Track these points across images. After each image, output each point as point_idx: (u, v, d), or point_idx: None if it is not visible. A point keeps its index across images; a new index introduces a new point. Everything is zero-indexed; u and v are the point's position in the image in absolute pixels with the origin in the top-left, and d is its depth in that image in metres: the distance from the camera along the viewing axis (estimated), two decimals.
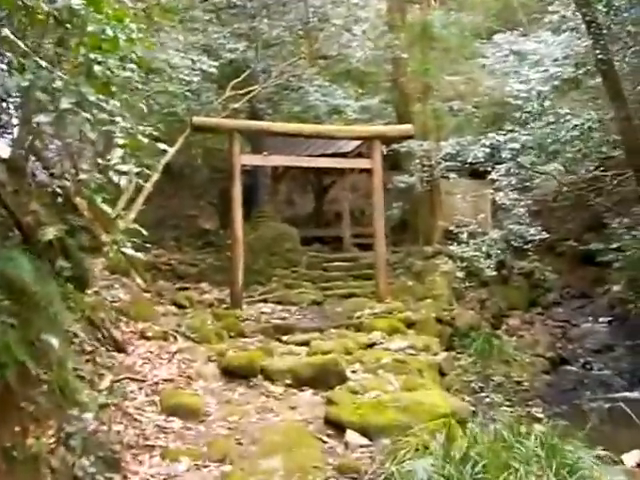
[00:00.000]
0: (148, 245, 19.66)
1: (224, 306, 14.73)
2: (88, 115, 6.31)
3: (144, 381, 9.06)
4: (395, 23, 21.15)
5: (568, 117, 14.59)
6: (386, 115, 23.36)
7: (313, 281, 17.76)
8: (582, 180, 20.40)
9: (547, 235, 18.85)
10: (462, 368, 12.93)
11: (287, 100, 22.56)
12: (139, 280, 14.89)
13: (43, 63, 6.47)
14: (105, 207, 6.52)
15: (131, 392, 8.58)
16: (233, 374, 10.07)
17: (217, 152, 23.80)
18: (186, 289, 16.95)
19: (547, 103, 15.11)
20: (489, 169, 19.07)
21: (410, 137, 15.65)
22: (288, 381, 9.98)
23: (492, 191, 19.34)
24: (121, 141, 7.01)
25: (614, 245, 18.48)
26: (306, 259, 18.83)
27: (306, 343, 12.28)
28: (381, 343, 12.42)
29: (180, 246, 21.68)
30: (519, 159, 16.03)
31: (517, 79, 15.83)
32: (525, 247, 18.59)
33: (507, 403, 12.04)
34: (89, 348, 8.76)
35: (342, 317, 14.47)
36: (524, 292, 19.71)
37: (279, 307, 15.79)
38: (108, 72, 7.42)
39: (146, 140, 7.30)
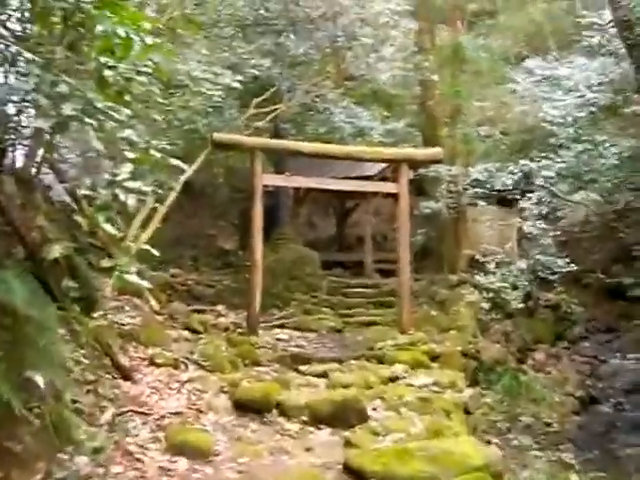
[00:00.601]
0: (163, 264, 19.31)
1: (239, 331, 13.98)
2: (93, 122, 5.60)
3: (149, 414, 8.29)
4: (424, 45, 20.44)
5: (606, 145, 13.77)
6: (411, 139, 22.65)
7: (333, 307, 17.00)
8: (612, 211, 19.66)
9: (575, 267, 18.05)
10: (488, 406, 12.10)
11: (311, 121, 21.90)
12: (153, 301, 14.18)
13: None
14: (108, 227, 5.76)
15: (134, 427, 7.81)
16: (246, 408, 9.29)
17: (239, 171, 23.18)
18: (202, 311, 16.22)
19: (582, 130, 14.28)
20: (517, 197, 18.33)
21: (438, 161, 14.89)
22: (305, 418, 9.20)
23: (519, 220, 18.55)
24: (131, 155, 6.29)
25: None
26: (326, 284, 18.07)
27: (325, 375, 11.54)
28: (404, 377, 11.63)
29: (198, 266, 21.00)
30: (552, 187, 15.17)
31: (551, 104, 15.04)
32: (551, 278, 17.82)
33: (536, 446, 11.24)
34: (92, 377, 8.02)
35: (362, 347, 13.67)
36: (550, 325, 18.80)
37: (297, 334, 15.02)
38: (120, 79, 6.72)
39: (159, 155, 6.57)
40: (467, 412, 11.23)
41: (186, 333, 12.39)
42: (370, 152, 14.22)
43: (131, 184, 5.86)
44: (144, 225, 15.95)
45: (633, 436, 12.53)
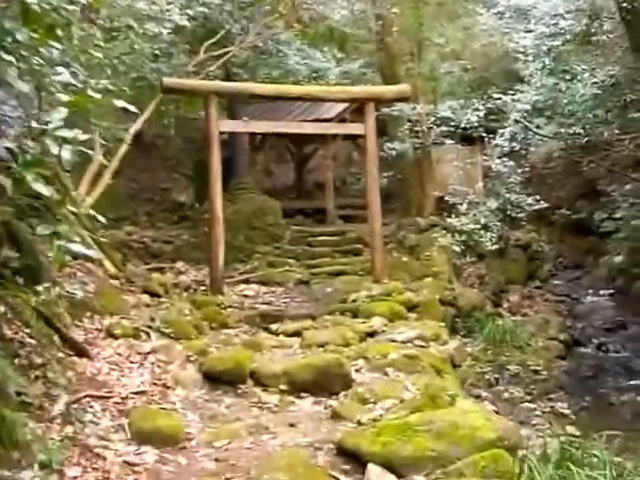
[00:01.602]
0: (117, 222, 18.05)
1: (203, 289, 12.85)
2: (11, 59, 4.37)
3: (109, 397, 7.13)
4: None
5: (584, 74, 12.66)
6: (369, 80, 21.37)
7: (298, 258, 15.94)
8: (577, 145, 18.76)
9: (545, 204, 17.19)
10: (473, 357, 11.17)
11: (264, 65, 20.60)
12: (108, 264, 12.96)
13: None
14: (40, 187, 4.54)
15: (93, 415, 6.64)
16: (217, 379, 8.17)
17: (191, 121, 22.00)
18: (161, 270, 15.08)
19: (557, 61, 13.12)
20: (482, 134, 17.31)
21: (406, 99, 13.67)
22: (283, 387, 8.12)
23: (486, 158, 17.54)
24: (65, 98, 5.05)
25: (618, 214, 16.75)
26: (289, 234, 16.93)
27: (298, 333, 10.56)
28: (383, 332, 10.64)
29: (153, 222, 19.73)
30: (527, 121, 14.09)
31: (522, 35, 13.88)
32: (518, 217, 16.94)
33: (527, 397, 10.34)
34: (39, 360, 6.81)
35: (334, 300, 12.66)
36: (522, 265, 18.00)
37: (263, 288, 13.96)
38: (49, 9, 5.47)
39: (99, 95, 5.32)
40: (454, 365, 10.28)
41: (145, 297, 11.16)
42: (334, 91, 12.94)
43: (65, 133, 4.62)
44: (94, 182, 14.73)
45: (622, 379, 11.77)
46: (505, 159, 16.67)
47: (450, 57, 19.17)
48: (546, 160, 22.07)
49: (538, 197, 16.77)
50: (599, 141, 18.06)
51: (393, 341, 9.90)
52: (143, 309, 10.37)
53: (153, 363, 8.50)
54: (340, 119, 18.24)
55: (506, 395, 10.23)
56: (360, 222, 19.30)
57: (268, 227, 16.61)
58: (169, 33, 15.38)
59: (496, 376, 10.76)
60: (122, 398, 7.23)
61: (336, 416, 7.21)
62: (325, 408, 7.65)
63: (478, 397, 9.97)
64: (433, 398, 7.28)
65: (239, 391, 8.04)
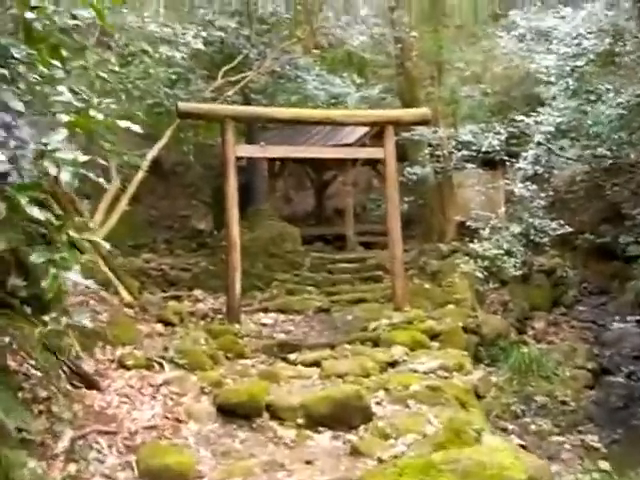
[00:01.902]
0: (136, 249, 17.77)
1: (219, 318, 12.47)
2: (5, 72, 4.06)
3: (117, 433, 6.78)
4: None
5: (609, 94, 12.25)
6: (387, 105, 21.06)
7: (317, 285, 15.52)
8: (601, 168, 18.35)
9: (570, 229, 16.72)
10: (497, 387, 10.71)
11: (283, 90, 20.38)
12: (123, 292, 12.65)
13: None
14: (35, 212, 4.22)
15: (98, 452, 6.29)
16: (232, 413, 7.80)
17: (209, 148, 21.72)
18: (178, 298, 14.75)
19: (580, 81, 12.71)
20: (504, 158, 16.92)
21: (426, 122, 13.31)
22: (300, 420, 7.74)
23: (508, 182, 17.12)
24: (65, 118, 4.74)
25: None
26: (309, 261, 16.55)
27: (317, 363, 10.15)
28: (404, 361, 10.22)
29: (172, 249, 19.43)
30: (549, 144, 13.68)
31: (544, 56, 13.51)
32: (541, 242, 16.47)
33: (556, 430, 9.86)
34: (44, 393, 6.48)
35: (355, 328, 12.24)
36: (546, 291, 17.47)
37: (281, 317, 13.55)
38: (48, 24, 5.19)
39: (100, 116, 5.01)
40: (478, 396, 9.85)
41: (159, 326, 10.81)
42: (352, 115, 12.60)
43: (64, 155, 4.30)
44: (111, 208, 14.48)
45: None
46: (528, 183, 16.24)
47: (470, 81, 18.81)
48: (569, 184, 21.62)
49: (562, 222, 16.29)
50: (624, 163, 17.68)
51: (415, 372, 9.50)
52: (157, 339, 10.04)
53: (165, 395, 8.16)
54: (360, 144, 17.93)
55: (533, 428, 9.76)
56: (380, 249, 18.93)
57: (287, 254, 16.24)
58: (184, 58, 15.24)
59: (522, 407, 10.29)
60: (131, 433, 6.89)
61: (355, 452, 6.84)
62: (344, 443, 7.28)
63: (504, 430, 9.53)
64: (457, 433, 6.88)
65: (254, 425, 7.67)
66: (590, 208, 22.78)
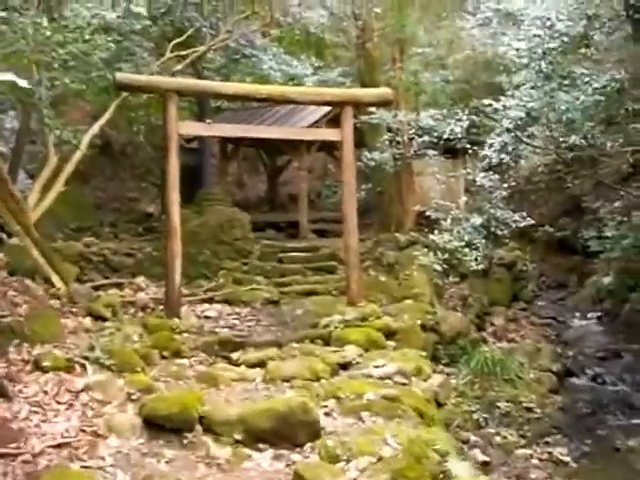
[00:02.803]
0: (80, 232, 16.49)
1: (161, 309, 11.24)
2: None
3: (17, 455, 5.59)
4: None
5: (585, 79, 11.19)
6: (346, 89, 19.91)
7: (267, 275, 14.38)
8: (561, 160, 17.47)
9: (532, 221, 15.80)
10: (458, 392, 9.69)
11: (238, 70, 19.18)
12: (56, 280, 11.39)
13: None
14: None
15: None
16: (160, 426, 6.63)
17: (161, 129, 20.38)
18: (120, 285, 13.53)
19: (553, 64, 11.62)
20: (466, 146, 15.91)
21: (388, 104, 12.14)
22: (238, 436, 6.63)
23: (469, 171, 16.12)
24: None
25: (608, 233, 15.37)
26: (259, 249, 15.37)
27: (262, 364, 9.08)
28: (358, 363, 9.19)
29: (117, 233, 18.09)
30: (519, 131, 12.60)
31: (514, 37, 12.44)
32: (502, 234, 15.51)
33: (522, 441, 8.87)
34: None
35: (304, 324, 11.17)
36: (506, 285, 16.54)
37: (227, 309, 12.43)
38: None
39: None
40: (438, 403, 8.82)
41: (88, 321, 9.54)
42: (308, 92, 11.31)
43: None
44: (46, 189, 13.20)
45: (623, 417, 10.35)
46: (490, 172, 15.25)
47: (433, 64, 17.72)
48: (529, 175, 20.77)
49: (524, 214, 15.36)
50: (586, 155, 16.81)
51: (369, 377, 8.43)
52: (82, 335, 8.81)
53: (85, 404, 7.01)
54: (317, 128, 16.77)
55: (498, 439, 8.73)
56: (335, 237, 17.90)
57: (236, 241, 15.03)
58: (130, 31, 13.99)
59: (485, 416, 9.25)
60: (34, 455, 5.71)
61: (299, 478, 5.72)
62: (287, 465, 6.22)
63: (466, 442, 8.50)
64: (419, 458, 5.87)
65: (185, 441, 6.54)
66: (550, 200, 22.02)
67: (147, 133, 20.36)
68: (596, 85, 10.91)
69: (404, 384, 8.29)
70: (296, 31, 19.59)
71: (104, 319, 9.78)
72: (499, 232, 15.35)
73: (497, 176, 15.39)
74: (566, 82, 11.49)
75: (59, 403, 6.88)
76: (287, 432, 6.57)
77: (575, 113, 11.42)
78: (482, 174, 15.14)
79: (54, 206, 16.00)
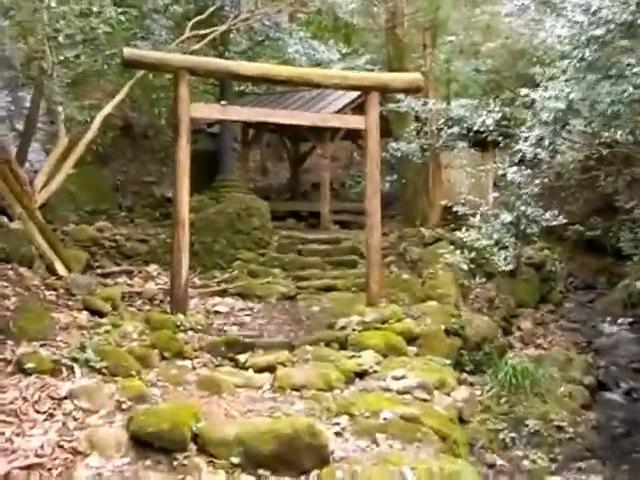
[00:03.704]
0: (95, 215, 15.70)
1: (168, 301, 10.32)
2: None
3: None
4: None
5: (635, 69, 10.11)
6: None
7: (284, 267, 13.54)
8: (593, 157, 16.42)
9: (564, 220, 14.78)
10: (483, 406, 8.73)
11: (263, 54, 18.31)
12: (60, 267, 10.58)
13: None
14: None
15: None
16: (149, 444, 5.75)
17: None
18: (130, 273, 12.75)
19: (598, 52, 10.53)
20: (497, 139, 14.90)
21: (418, 91, 11.10)
22: (235, 459, 5.74)
23: (500, 165, 15.07)
24: None
25: None
26: (277, 239, 14.49)
27: (271, 368, 8.16)
28: (375, 372, 8.24)
29: (133, 217, 17.27)
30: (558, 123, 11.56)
31: (554, 23, 11.37)
32: (531, 232, 14.51)
33: (553, 466, 7.91)
34: None
35: (320, 323, 10.26)
36: (534, 286, 15.47)
37: (239, 303, 11.57)
38: None
39: None
40: (461, 420, 7.88)
41: (83, 316, 8.66)
42: (331, 75, 10.26)
43: None
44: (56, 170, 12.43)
45: None
46: (522, 167, 14.25)
47: (466, 52, 16.64)
48: (560, 171, 19.69)
49: (555, 212, 14.36)
50: (619, 152, 15.79)
51: (387, 390, 7.49)
52: (75, 333, 7.91)
53: (68, 413, 6.16)
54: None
55: (527, 463, 7.78)
56: (357, 229, 17.00)
57: (254, 231, 14.14)
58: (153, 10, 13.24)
59: (512, 435, 8.28)
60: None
61: None
62: None
63: (492, 466, 7.55)
64: None
65: (175, 462, 5.68)
66: (580, 198, 20.90)
67: (169, 116, 19.61)
68: None
69: (425, 400, 7.35)
70: (324, 15, 18.59)
71: (102, 314, 8.88)
72: (529, 230, 14.38)
73: (529, 171, 14.40)
74: (612, 72, 10.44)
75: (38, 412, 6.04)
76: (291, 457, 5.68)
77: (621, 106, 10.37)
78: (513, 169, 14.13)
79: (71, 187, 15.34)
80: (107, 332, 8.02)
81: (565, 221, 15.18)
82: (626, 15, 10.09)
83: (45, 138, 16.44)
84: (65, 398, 6.31)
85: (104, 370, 6.98)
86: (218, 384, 7.38)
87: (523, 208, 14.22)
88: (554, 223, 14.62)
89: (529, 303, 14.99)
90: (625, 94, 10.08)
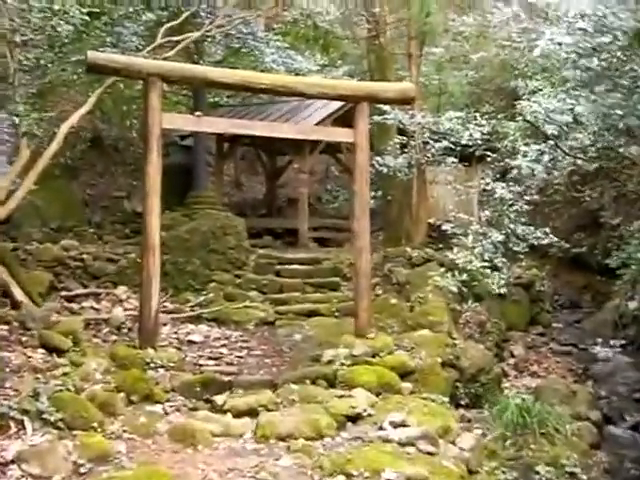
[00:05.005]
0: (61, 233, 14.53)
1: (134, 337, 9.18)
2: None
3: None
4: None
5: None
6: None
7: (262, 290, 12.46)
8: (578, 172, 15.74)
9: (555, 238, 13.96)
10: (488, 450, 7.70)
11: (239, 64, 17.30)
12: (17, 292, 9.46)
13: None
14: None
15: None
16: None
17: None
18: (97, 295, 11.66)
19: (605, 62, 9.62)
20: (485, 154, 14.06)
21: (410, 101, 10.07)
22: None
23: (487, 181, 14.16)
24: None
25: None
26: (254, 259, 13.39)
27: (252, 412, 7.14)
28: (370, 415, 7.25)
29: (102, 234, 16.09)
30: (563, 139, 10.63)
31: (558, 30, 10.43)
32: (519, 251, 13.68)
33: None
34: None
35: (305, 356, 9.25)
36: (524, 308, 14.53)
37: (215, 331, 10.54)
38: None
39: None
40: (470, 471, 6.86)
41: (39, 355, 7.50)
42: (317, 84, 9.17)
43: None
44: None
45: None
46: (510, 183, 13.41)
47: (455, 63, 15.65)
48: (545, 186, 18.88)
49: (547, 230, 13.57)
50: (604, 168, 15.06)
51: (387, 441, 6.46)
52: (27, 377, 6.75)
53: None
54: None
55: None
56: (336, 246, 16.00)
57: (229, 250, 13.03)
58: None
59: None
60: None
61: None
62: None
63: None
64: None
65: None
66: (565, 214, 20.10)
67: (141, 128, 18.62)
68: None
69: (431, 454, 6.34)
70: (302, 24, 17.61)
71: (61, 351, 7.71)
72: (516, 249, 13.52)
73: (518, 187, 13.55)
74: (624, 82, 9.50)
75: None
76: None
77: (634, 119, 9.44)
78: (501, 185, 13.27)
79: (38, 202, 14.23)
80: (65, 374, 6.87)
81: (555, 239, 14.38)
82: (634, 22, 9.18)
83: (10, 150, 15.34)
84: (12, 462, 5.22)
85: (60, 423, 5.89)
86: (193, 434, 6.36)
87: (512, 226, 13.39)
88: (545, 241, 13.84)
89: (519, 325, 14.06)
90: (638, 106, 9.18)
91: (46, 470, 5.25)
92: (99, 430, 6.08)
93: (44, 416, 5.87)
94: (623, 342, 14.64)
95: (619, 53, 9.35)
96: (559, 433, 8.40)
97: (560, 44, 10.18)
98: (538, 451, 7.95)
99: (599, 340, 14.88)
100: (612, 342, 14.68)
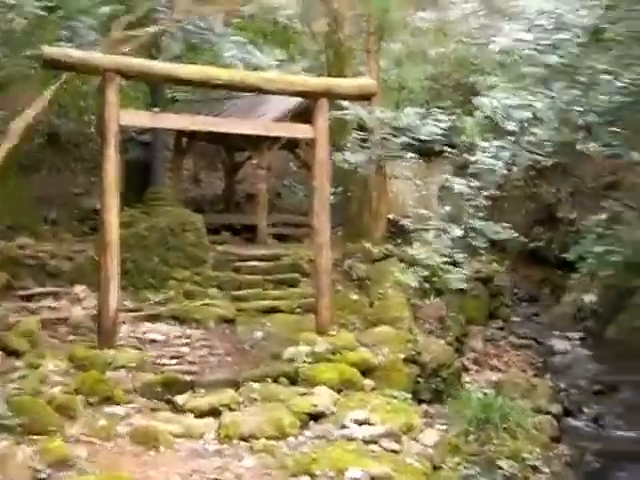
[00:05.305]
0: (15, 231, 14.27)
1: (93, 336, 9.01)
2: None
3: None
4: None
5: (606, 77, 9.21)
6: None
7: (222, 287, 12.27)
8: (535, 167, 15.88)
9: (514, 233, 14.07)
10: (451, 446, 7.70)
11: (197, 59, 17.12)
12: None
13: None
14: None
15: None
16: None
17: None
18: (55, 294, 11.44)
19: (565, 58, 9.63)
20: (444, 149, 14.10)
21: (370, 96, 10.02)
22: None
23: (447, 176, 14.20)
24: None
25: (596, 248, 13.57)
26: (213, 256, 13.23)
27: (214, 412, 7.06)
28: (333, 413, 7.20)
29: (58, 232, 15.81)
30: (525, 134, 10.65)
31: (515, 27, 10.44)
32: (479, 246, 13.75)
33: None
34: None
35: (266, 354, 9.14)
36: (483, 302, 14.64)
37: (176, 329, 10.34)
38: None
39: None
40: (434, 467, 6.85)
41: None
42: (276, 80, 9.08)
43: None
44: None
45: (635, 472, 8.46)
46: (470, 178, 13.45)
47: (414, 58, 15.60)
48: (503, 182, 19.02)
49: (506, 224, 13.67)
50: (561, 163, 15.23)
51: (351, 439, 6.43)
52: None
53: None
54: None
55: None
56: (295, 242, 15.90)
57: (188, 247, 12.86)
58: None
59: None
60: None
61: None
62: None
63: None
64: None
65: None
66: (522, 209, 20.28)
67: (98, 124, 18.39)
68: (619, 84, 8.92)
69: (395, 451, 6.33)
70: (261, 19, 17.50)
71: (18, 354, 7.54)
72: (475, 243, 13.57)
73: (477, 183, 13.59)
74: (582, 79, 9.53)
75: None
76: None
77: (593, 116, 9.48)
78: (460, 180, 13.31)
79: None
80: (23, 377, 6.74)
81: (514, 234, 14.46)
82: (592, 19, 9.21)
83: None
84: None
85: (19, 428, 5.76)
86: (155, 436, 6.28)
87: (471, 221, 13.43)
88: (504, 236, 13.93)
89: (478, 320, 14.15)
90: (597, 102, 9.23)
91: (6, 476, 5.12)
92: (58, 434, 5.95)
93: (2, 421, 5.74)
94: (581, 335, 14.86)
95: (577, 50, 9.40)
96: (521, 427, 8.43)
97: (519, 40, 10.24)
98: (500, 445, 7.96)
99: (557, 333, 15.09)
100: (570, 335, 14.89)
